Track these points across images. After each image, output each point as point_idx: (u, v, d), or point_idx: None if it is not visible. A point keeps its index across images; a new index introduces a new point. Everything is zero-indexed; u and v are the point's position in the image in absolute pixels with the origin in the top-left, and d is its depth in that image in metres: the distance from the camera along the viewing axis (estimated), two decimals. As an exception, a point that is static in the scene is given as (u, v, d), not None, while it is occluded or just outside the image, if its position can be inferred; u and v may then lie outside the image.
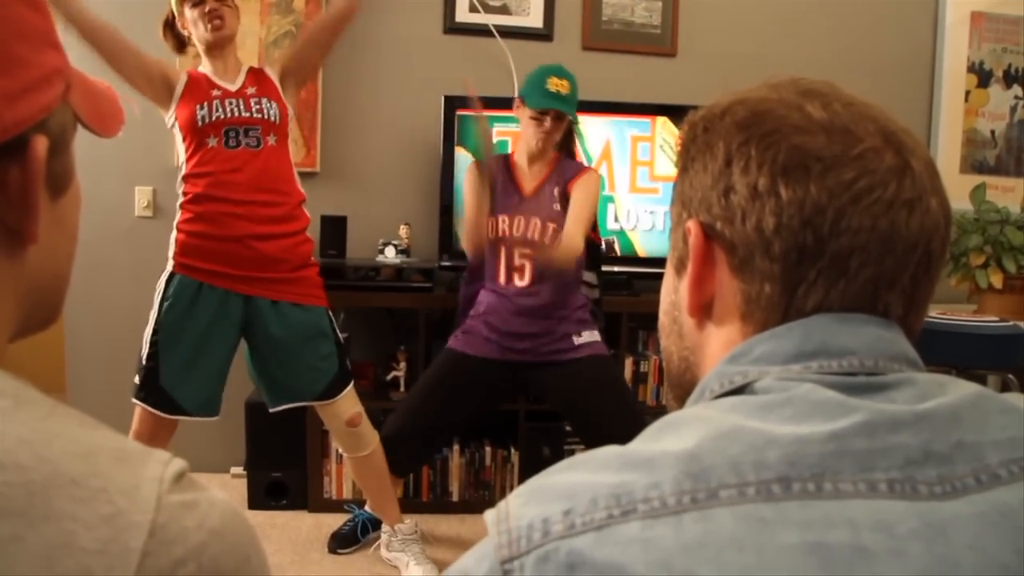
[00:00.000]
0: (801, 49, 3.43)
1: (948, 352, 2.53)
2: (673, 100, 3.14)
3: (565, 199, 2.42)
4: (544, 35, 3.25)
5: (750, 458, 0.46)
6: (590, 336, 2.48)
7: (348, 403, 2.37)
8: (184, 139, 2.24)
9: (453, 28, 3.23)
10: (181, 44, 2.35)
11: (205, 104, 2.20)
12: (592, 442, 2.47)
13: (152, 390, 2.19)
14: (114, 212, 3.10)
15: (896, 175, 0.54)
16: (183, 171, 2.25)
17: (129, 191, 3.12)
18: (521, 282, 2.44)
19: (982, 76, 3.59)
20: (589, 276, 2.59)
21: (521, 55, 3.17)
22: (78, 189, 0.57)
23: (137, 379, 2.21)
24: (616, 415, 2.43)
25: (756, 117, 0.57)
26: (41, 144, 0.48)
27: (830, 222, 0.53)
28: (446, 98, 3.02)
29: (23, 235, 0.49)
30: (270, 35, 3.11)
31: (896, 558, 0.42)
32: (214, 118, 2.20)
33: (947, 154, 3.56)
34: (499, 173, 2.45)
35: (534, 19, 3.27)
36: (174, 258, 2.23)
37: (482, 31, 3.20)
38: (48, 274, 0.54)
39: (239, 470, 3.14)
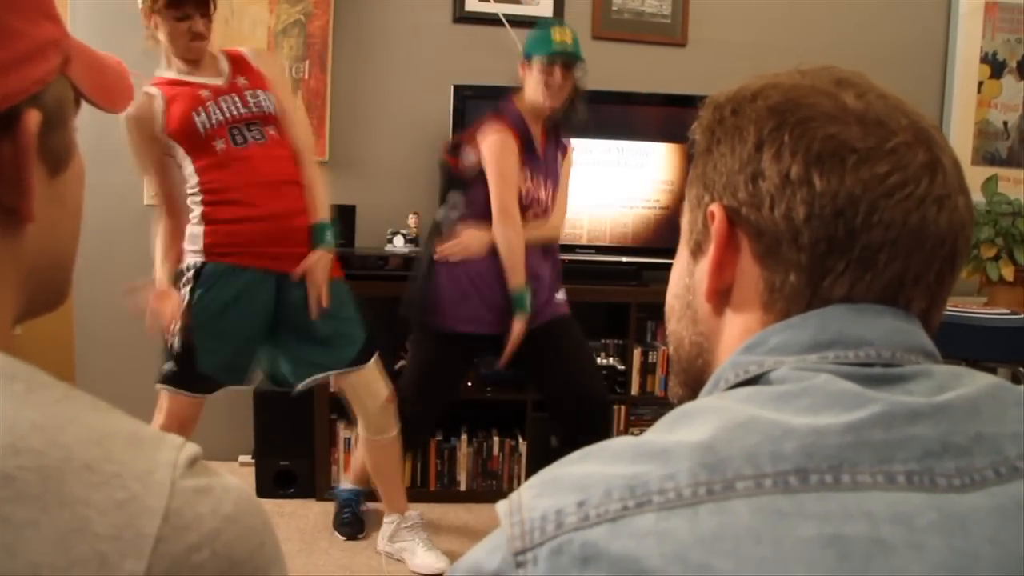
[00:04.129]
0: (812, 39, 3.41)
1: (958, 345, 2.52)
2: (683, 90, 3.13)
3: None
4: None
5: (767, 449, 0.45)
6: (562, 295, 2.60)
7: (382, 379, 2.38)
8: (188, 151, 2.15)
9: (462, 17, 3.21)
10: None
11: (201, 110, 2.11)
12: (559, 399, 2.59)
13: (187, 376, 2.18)
14: (123, 200, 3.10)
15: (928, 172, 0.53)
16: (196, 184, 2.17)
17: (138, 179, 3.11)
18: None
19: (995, 67, 3.56)
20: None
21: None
22: (81, 167, 0.55)
23: (169, 366, 2.19)
24: (592, 373, 2.59)
25: (790, 103, 0.56)
26: (33, 118, 0.47)
27: (863, 215, 0.52)
28: (455, 87, 3.01)
29: (19, 213, 0.48)
30: (279, 24, 3.10)
31: (915, 551, 0.41)
32: (215, 122, 2.12)
33: (959, 145, 3.53)
34: (525, 132, 2.45)
35: (544, 8, 3.25)
36: (204, 251, 2.18)
37: (491, 20, 3.18)
38: (50, 253, 0.53)
39: (247, 458, 3.15)
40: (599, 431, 2.47)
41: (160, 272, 2.20)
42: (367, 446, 2.48)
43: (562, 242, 3.01)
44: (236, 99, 2.15)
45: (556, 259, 2.61)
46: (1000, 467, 0.46)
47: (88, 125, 3.02)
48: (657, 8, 3.33)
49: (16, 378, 0.43)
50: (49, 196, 0.51)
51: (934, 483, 0.45)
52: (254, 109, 2.17)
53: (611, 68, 3.25)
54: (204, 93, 2.14)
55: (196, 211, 2.21)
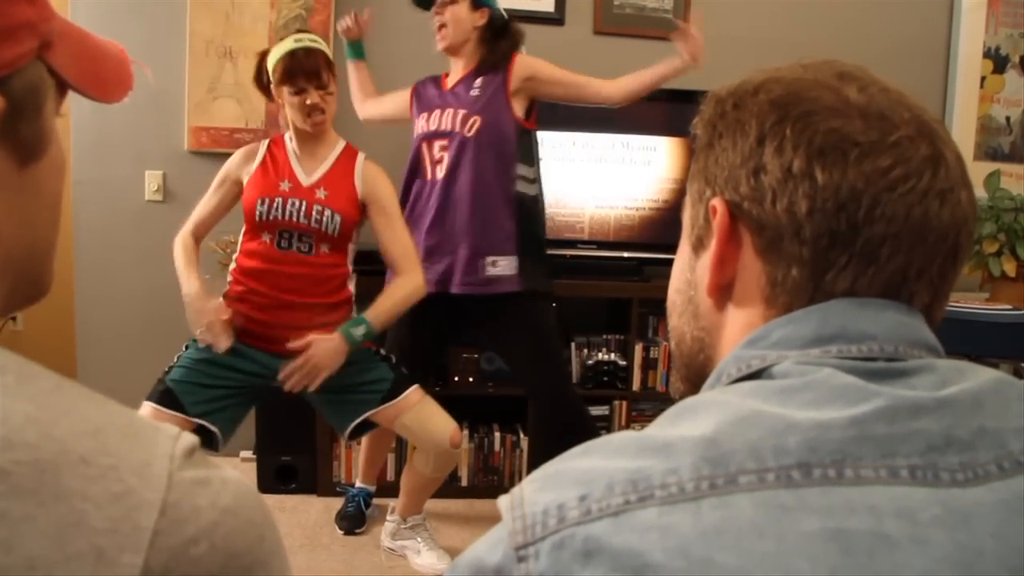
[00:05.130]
0: (814, 34, 3.40)
1: (960, 340, 2.51)
2: (684, 85, 3.11)
3: (497, 88, 2.46)
4: (555, 19, 3.23)
5: (770, 443, 0.45)
6: (506, 266, 2.41)
7: (440, 418, 2.28)
8: (244, 219, 2.20)
9: (464, 12, 3.20)
10: (269, 92, 2.24)
11: (266, 200, 2.14)
12: (525, 387, 2.59)
13: (159, 386, 2.15)
14: (124, 196, 3.10)
15: (930, 165, 0.53)
16: (240, 241, 2.23)
17: (139, 175, 3.11)
18: (441, 173, 2.45)
19: (998, 62, 3.55)
20: (525, 170, 2.50)
21: (532, 39, 3.13)
22: (60, 157, 0.54)
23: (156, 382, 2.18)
24: (533, 367, 2.47)
25: (792, 96, 0.55)
26: None
27: (865, 208, 0.52)
28: (456, 82, 3.00)
29: None
30: (280, 19, 3.10)
31: (918, 546, 0.41)
32: (271, 218, 2.15)
33: (961, 141, 3.52)
34: (427, 83, 2.59)
35: (545, 2, 3.24)
36: None
37: (493, 15, 3.17)
38: (25, 244, 0.51)
39: (248, 454, 3.15)
40: (560, 423, 2.45)
41: (189, 282, 2.14)
42: (413, 472, 2.44)
43: (563, 237, 3.01)
44: (303, 207, 2.15)
45: (490, 225, 2.42)
46: (1003, 461, 0.46)
47: (88, 118, 3.04)
48: (659, 3, 3.32)
49: (6, 369, 0.42)
50: (21, 186, 0.49)
51: (937, 477, 0.44)
52: (313, 225, 2.16)
53: (612, 63, 3.23)
54: (284, 186, 2.17)
55: (228, 276, 2.24)
